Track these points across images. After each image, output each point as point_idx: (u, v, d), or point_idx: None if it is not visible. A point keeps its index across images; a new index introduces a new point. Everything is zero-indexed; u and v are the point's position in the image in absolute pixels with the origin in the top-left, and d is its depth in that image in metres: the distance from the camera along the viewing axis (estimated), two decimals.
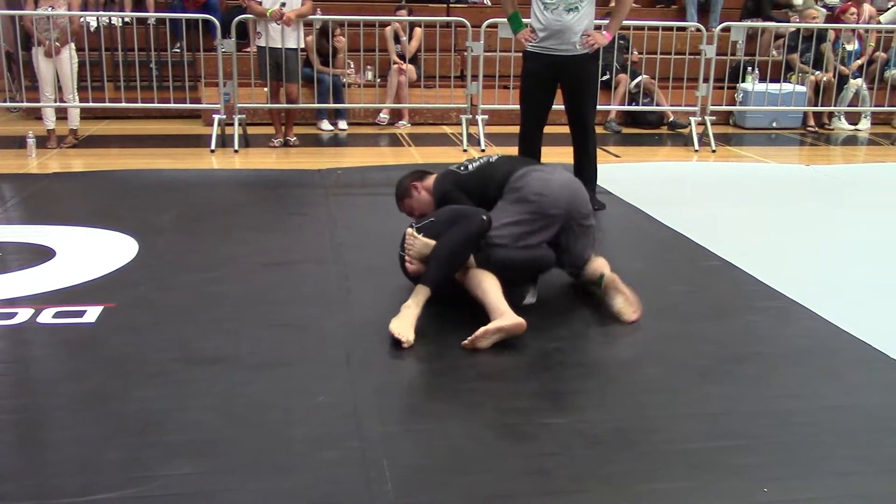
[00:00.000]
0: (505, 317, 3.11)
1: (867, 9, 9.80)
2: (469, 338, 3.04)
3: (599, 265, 3.57)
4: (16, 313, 3.32)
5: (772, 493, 2.21)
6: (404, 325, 3.13)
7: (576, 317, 3.45)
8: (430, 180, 3.77)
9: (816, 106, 8.93)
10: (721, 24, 8.30)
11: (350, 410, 2.60)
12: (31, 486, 2.18)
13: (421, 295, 3.23)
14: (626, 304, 3.39)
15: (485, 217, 3.37)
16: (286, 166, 6.74)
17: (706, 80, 7.91)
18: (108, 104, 7.77)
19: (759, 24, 9.43)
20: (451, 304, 3.29)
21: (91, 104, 7.65)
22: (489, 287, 3.25)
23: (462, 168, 3.73)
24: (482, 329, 3.05)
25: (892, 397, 2.81)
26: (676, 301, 3.66)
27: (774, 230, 4.87)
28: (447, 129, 8.62)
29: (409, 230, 3.45)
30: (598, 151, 5.26)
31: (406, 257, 3.46)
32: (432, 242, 3.34)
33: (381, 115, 8.58)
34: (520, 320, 3.09)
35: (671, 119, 8.78)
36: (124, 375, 2.81)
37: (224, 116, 7.40)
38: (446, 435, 2.49)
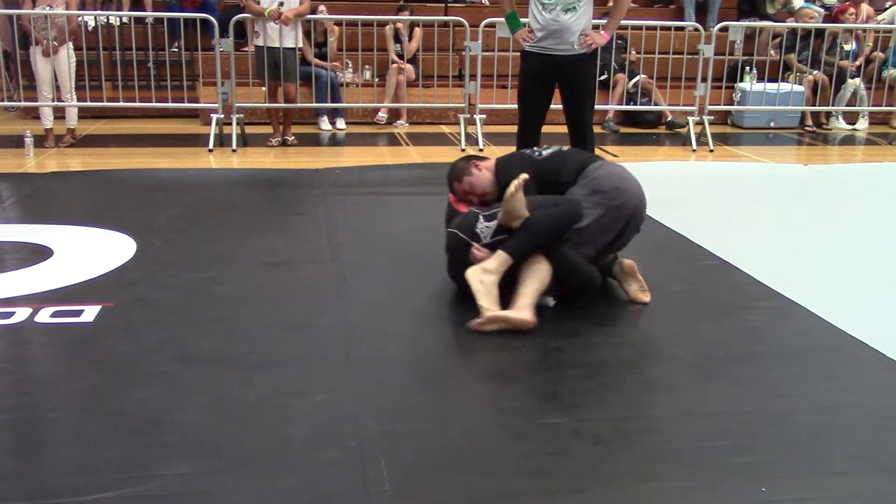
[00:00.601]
0: (516, 310, 3.15)
1: (865, 8, 9.81)
2: (478, 320, 3.11)
3: None
4: (13, 312, 3.32)
5: (770, 493, 2.21)
6: (491, 299, 3.18)
7: (576, 317, 3.45)
8: (490, 162, 3.79)
9: (814, 105, 8.94)
10: (719, 24, 8.31)
11: (348, 410, 2.60)
12: (28, 485, 2.18)
13: (501, 262, 3.26)
14: (640, 290, 3.61)
15: (581, 210, 3.38)
16: (284, 166, 6.73)
17: (704, 79, 7.91)
18: (105, 104, 7.75)
19: (757, 23, 9.43)
20: (451, 303, 3.29)
21: (89, 103, 7.62)
22: (534, 278, 3.27)
23: (536, 153, 3.74)
24: (492, 313, 3.11)
25: (890, 397, 2.82)
26: (675, 301, 3.66)
27: (772, 230, 4.87)
28: (445, 129, 8.62)
29: (522, 177, 3.33)
30: (597, 151, 5.25)
31: (474, 243, 3.39)
32: (526, 212, 3.31)
33: (380, 114, 8.57)
34: (527, 318, 3.13)
35: (669, 119, 8.77)
36: (122, 375, 2.81)
37: (222, 116, 7.38)
38: (445, 434, 2.48)
